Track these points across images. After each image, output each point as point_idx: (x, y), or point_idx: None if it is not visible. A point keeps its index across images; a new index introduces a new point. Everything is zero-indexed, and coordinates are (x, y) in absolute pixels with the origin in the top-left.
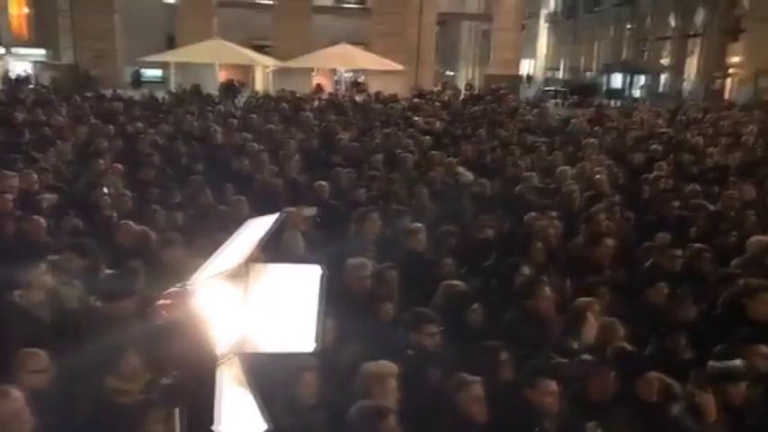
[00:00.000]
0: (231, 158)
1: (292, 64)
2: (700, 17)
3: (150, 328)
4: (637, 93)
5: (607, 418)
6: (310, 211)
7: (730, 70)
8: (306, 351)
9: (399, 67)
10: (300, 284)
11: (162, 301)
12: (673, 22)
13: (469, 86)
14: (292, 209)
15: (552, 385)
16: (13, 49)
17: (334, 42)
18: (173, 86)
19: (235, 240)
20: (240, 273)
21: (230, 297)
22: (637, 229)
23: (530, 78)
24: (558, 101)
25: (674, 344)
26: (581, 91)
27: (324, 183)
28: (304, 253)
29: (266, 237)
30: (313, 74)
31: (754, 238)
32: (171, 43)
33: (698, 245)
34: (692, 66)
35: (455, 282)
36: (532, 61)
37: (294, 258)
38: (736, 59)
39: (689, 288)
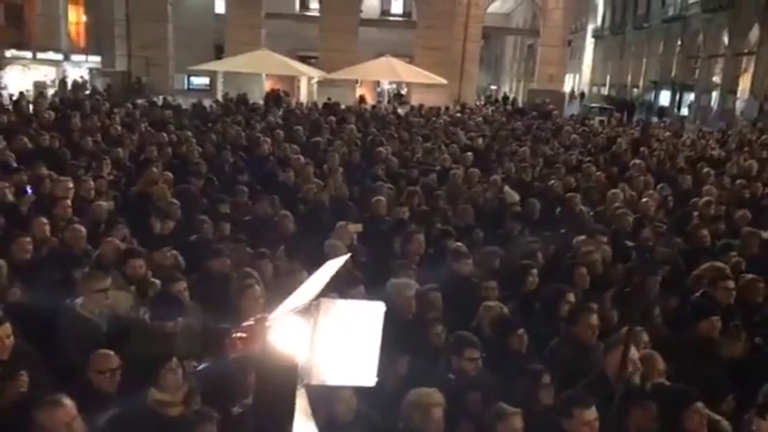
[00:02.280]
0: (277, 170)
1: (337, 75)
2: (754, 35)
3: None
4: (685, 111)
5: None
6: (356, 227)
7: None
8: (367, 384)
9: (442, 80)
10: (365, 320)
11: (238, 334)
12: (726, 40)
13: (506, 99)
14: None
15: (589, 415)
16: (72, 56)
17: (379, 54)
18: (219, 95)
19: (311, 278)
20: (310, 308)
21: (301, 332)
22: (685, 256)
23: (573, 95)
24: (604, 118)
25: (719, 380)
26: (627, 108)
27: (381, 198)
28: (349, 272)
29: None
30: (357, 85)
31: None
32: (219, 52)
33: (751, 275)
34: (744, 84)
35: (496, 304)
36: (577, 77)
37: (338, 278)
38: None
39: (741, 322)
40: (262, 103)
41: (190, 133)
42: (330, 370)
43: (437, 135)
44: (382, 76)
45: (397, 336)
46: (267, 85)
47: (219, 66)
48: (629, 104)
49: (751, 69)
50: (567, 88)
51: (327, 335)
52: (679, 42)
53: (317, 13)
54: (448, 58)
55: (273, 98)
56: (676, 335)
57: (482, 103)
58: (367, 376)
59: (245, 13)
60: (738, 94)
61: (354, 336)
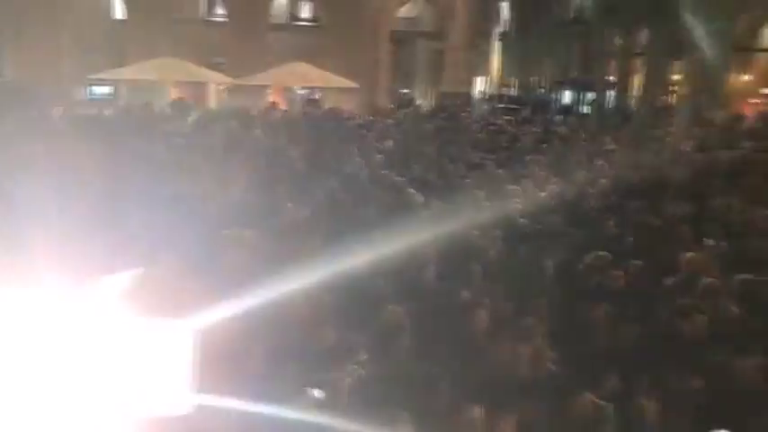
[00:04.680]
0: (176, 179)
1: (246, 81)
2: (644, 36)
3: None
4: (585, 109)
5: None
6: (249, 235)
7: (673, 88)
8: (179, 414)
9: (353, 84)
10: (171, 341)
11: None
12: (618, 41)
13: (409, 102)
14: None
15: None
16: None
17: (289, 60)
18: (123, 104)
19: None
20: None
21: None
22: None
23: (484, 96)
24: (511, 118)
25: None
26: (533, 108)
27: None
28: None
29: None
30: (268, 91)
31: (688, 255)
32: (123, 60)
33: (637, 262)
34: (637, 83)
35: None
36: (486, 79)
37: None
38: (677, 77)
39: (628, 308)
40: (169, 111)
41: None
42: (135, 399)
43: (348, 139)
44: (293, 81)
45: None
46: (173, 94)
47: (121, 74)
48: (535, 104)
49: (642, 69)
50: (476, 90)
51: (126, 358)
52: (577, 44)
53: (224, 19)
54: (360, 63)
55: (179, 106)
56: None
57: (394, 106)
58: (179, 404)
59: (147, 18)
60: (633, 93)
61: (159, 359)
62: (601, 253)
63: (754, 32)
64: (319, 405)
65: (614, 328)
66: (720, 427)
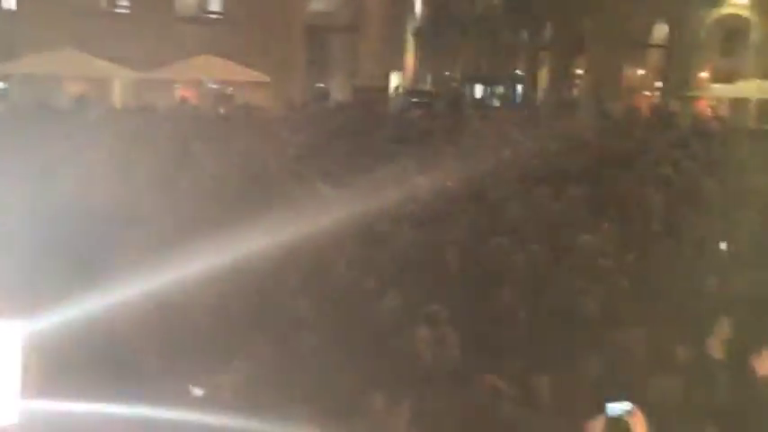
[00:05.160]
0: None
1: (152, 76)
2: (548, 31)
3: None
4: (496, 103)
5: None
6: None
7: (576, 81)
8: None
9: (266, 78)
10: None
11: None
12: (525, 36)
13: (324, 96)
14: None
15: None
16: None
17: (198, 54)
18: (16, 99)
19: None
20: None
21: None
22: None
23: (398, 90)
24: (425, 111)
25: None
26: (446, 102)
27: None
28: None
29: None
30: (177, 86)
31: (584, 237)
32: (14, 53)
33: (536, 245)
34: (543, 77)
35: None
36: (401, 73)
37: None
38: (580, 71)
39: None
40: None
41: None
42: None
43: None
44: (203, 75)
45: None
46: (74, 89)
47: (14, 67)
48: (448, 98)
49: (547, 64)
50: (392, 84)
51: None
52: (488, 39)
53: (126, 10)
54: (273, 57)
55: (78, 103)
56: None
57: (309, 100)
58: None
59: (42, 9)
60: (539, 87)
61: None
62: (502, 238)
63: (647, 29)
64: (201, 403)
65: (515, 310)
66: (615, 399)
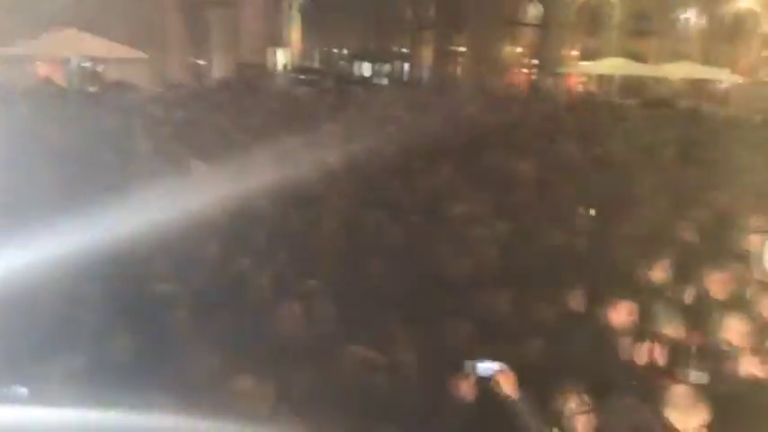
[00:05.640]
0: None
1: (8, 51)
2: (431, 9)
3: None
4: (384, 81)
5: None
6: None
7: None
8: None
9: (141, 54)
10: None
11: None
12: (409, 14)
13: (204, 73)
14: None
15: None
16: None
17: (62, 26)
18: None
19: None
20: None
21: None
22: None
23: (283, 67)
24: (310, 88)
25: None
26: (333, 79)
27: None
28: None
29: None
30: (38, 63)
31: (459, 207)
32: None
33: (415, 217)
34: (427, 55)
35: None
36: (286, 50)
37: None
38: (459, 48)
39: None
40: None
41: None
42: None
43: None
44: (67, 50)
45: None
46: None
47: None
48: (335, 75)
49: (430, 41)
50: (276, 61)
51: None
52: (373, 16)
53: None
54: (146, 31)
55: None
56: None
57: (189, 78)
58: None
59: None
60: (423, 64)
61: None
62: (380, 211)
63: (522, 8)
64: (25, 401)
65: (392, 281)
66: (485, 359)
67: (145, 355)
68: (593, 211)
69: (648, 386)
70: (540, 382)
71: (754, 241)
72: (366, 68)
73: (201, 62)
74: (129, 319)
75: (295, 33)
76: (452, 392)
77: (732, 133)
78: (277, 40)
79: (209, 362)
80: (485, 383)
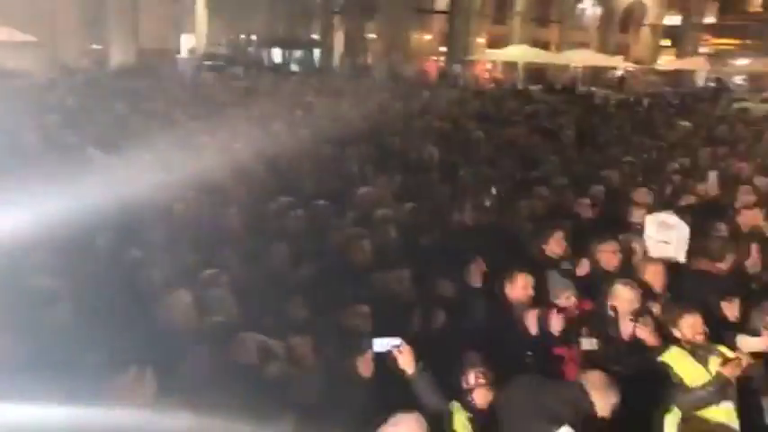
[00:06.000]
0: None
1: None
2: None
3: None
4: (295, 67)
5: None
6: None
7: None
8: None
9: (29, 38)
10: None
11: None
12: (320, 0)
13: (103, 59)
14: None
15: None
16: None
17: None
18: None
19: None
20: None
21: None
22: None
23: (190, 53)
24: (218, 75)
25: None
26: (242, 66)
27: None
28: None
29: None
30: None
31: (363, 190)
32: None
33: (321, 202)
34: (339, 41)
35: None
36: (192, 36)
37: None
38: (370, 35)
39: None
40: None
41: None
42: None
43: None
44: None
45: None
46: None
47: None
48: (243, 62)
49: (341, 28)
50: (183, 47)
51: None
52: (286, 2)
53: None
54: (42, 15)
55: None
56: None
57: (85, 63)
58: None
59: None
60: (335, 51)
61: None
62: (284, 197)
63: None
64: None
65: (295, 265)
66: (384, 335)
67: (29, 348)
68: (494, 191)
69: (544, 355)
70: (440, 357)
71: (638, 214)
72: (277, 55)
73: (100, 47)
74: (9, 314)
75: (201, 18)
76: (350, 371)
77: (623, 115)
78: (181, 26)
79: (96, 354)
80: (383, 358)
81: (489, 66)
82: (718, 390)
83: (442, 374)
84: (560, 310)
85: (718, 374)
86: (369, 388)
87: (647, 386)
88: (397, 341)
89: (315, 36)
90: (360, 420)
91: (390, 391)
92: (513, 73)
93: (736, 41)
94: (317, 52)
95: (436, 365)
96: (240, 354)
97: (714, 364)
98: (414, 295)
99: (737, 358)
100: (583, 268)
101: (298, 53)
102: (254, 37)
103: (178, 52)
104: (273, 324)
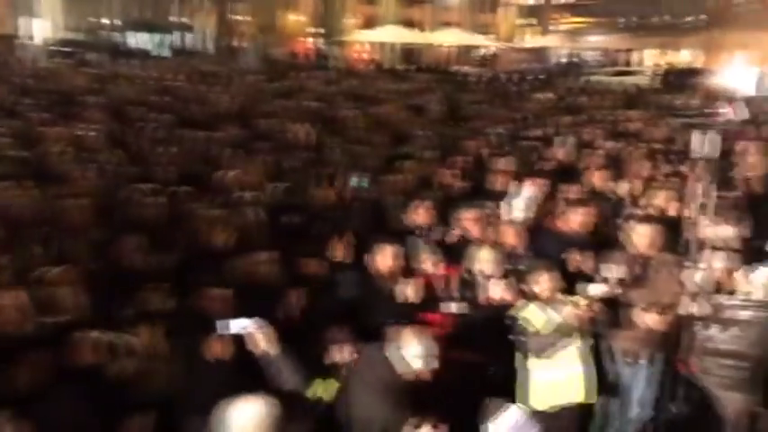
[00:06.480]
0: None
1: None
2: None
3: None
4: (165, 52)
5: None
6: None
7: (239, 28)
8: None
9: None
10: None
11: None
12: None
13: None
14: None
15: None
16: None
17: None
18: None
19: None
20: None
21: None
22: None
23: (43, 40)
24: (70, 61)
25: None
26: (99, 51)
27: None
28: None
29: None
30: None
31: (230, 174)
32: None
33: (183, 188)
34: (206, 24)
35: None
36: (42, 20)
37: None
38: (241, 18)
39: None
40: None
41: None
42: None
43: None
44: None
45: None
46: None
47: None
48: (104, 47)
49: (207, 9)
50: (29, 32)
51: None
52: None
53: None
54: None
55: None
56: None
57: None
58: None
59: None
60: (205, 35)
61: None
62: (143, 184)
63: None
64: None
65: (153, 254)
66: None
67: None
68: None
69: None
70: (306, 336)
71: (502, 182)
72: (143, 39)
73: None
74: None
75: (55, 2)
76: (207, 355)
77: (490, 90)
78: (30, 10)
79: None
80: (239, 339)
81: (364, 47)
82: (565, 333)
83: (308, 353)
84: (428, 276)
85: (566, 320)
86: (228, 371)
87: (510, 343)
88: (255, 322)
89: (184, 19)
90: (217, 404)
91: (250, 372)
92: (388, 53)
93: (590, 20)
94: (187, 36)
95: (302, 345)
96: (79, 355)
97: (566, 313)
98: (280, 276)
99: (584, 305)
100: (452, 236)
101: (166, 37)
102: (117, 21)
103: (28, 39)
104: (127, 318)
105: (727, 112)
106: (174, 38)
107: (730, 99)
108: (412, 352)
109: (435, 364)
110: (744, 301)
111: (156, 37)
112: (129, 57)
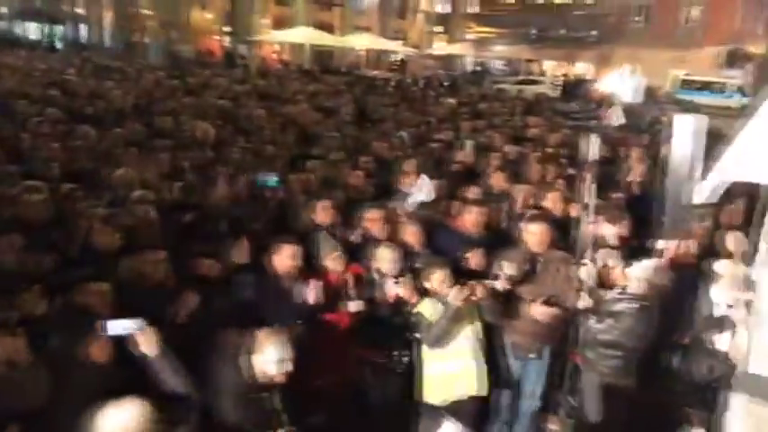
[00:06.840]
0: None
1: None
2: None
3: None
4: (58, 44)
5: None
6: None
7: (141, 22)
8: None
9: None
10: None
11: None
12: None
13: None
14: None
15: None
16: None
17: None
18: None
19: None
20: None
21: None
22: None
23: None
24: None
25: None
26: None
27: None
28: None
29: None
30: None
31: (118, 172)
32: None
33: (69, 185)
34: (103, 16)
35: None
36: None
37: None
38: (142, 12)
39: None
40: None
41: None
42: None
43: None
44: None
45: None
46: None
47: None
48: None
49: (111, 2)
50: None
51: None
52: None
53: None
54: None
55: None
56: None
57: None
58: None
59: None
60: (105, 28)
61: None
62: (25, 181)
63: None
64: None
65: (32, 254)
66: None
67: None
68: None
69: (313, 323)
70: (197, 338)
71: (407, 182)
72: (33, 30)
73: None
74: None
75: None
76: (83, 357)
77: (399, 95)
78: None
79: None
80: (121, 342)
81: (276, 47)
82: (454, 318)
83: (197, 356)
84: (326, 275)
85: (451, 302)
86: (105, 374)
87: (407, 340)
88: (136, 323)
89: (79, 10)
90: (90, 408)
91: (129, 375)
92: (301, 55)
93: (497, 30)
94: (82, 28)
95: (190, 348)
96: None
97: (451, 295)
98: (168, 277)
99: (465, 287)
100: (356, 235)
101: (59, 29)
102: (4, 10)
103: None
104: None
105: (606, 116)
106: (67, 29)
107: (609, 105)
108: (267, 357)
109: (290, 368)
110: (619, 294)
111: (46, 27)
112: (14, 47)
